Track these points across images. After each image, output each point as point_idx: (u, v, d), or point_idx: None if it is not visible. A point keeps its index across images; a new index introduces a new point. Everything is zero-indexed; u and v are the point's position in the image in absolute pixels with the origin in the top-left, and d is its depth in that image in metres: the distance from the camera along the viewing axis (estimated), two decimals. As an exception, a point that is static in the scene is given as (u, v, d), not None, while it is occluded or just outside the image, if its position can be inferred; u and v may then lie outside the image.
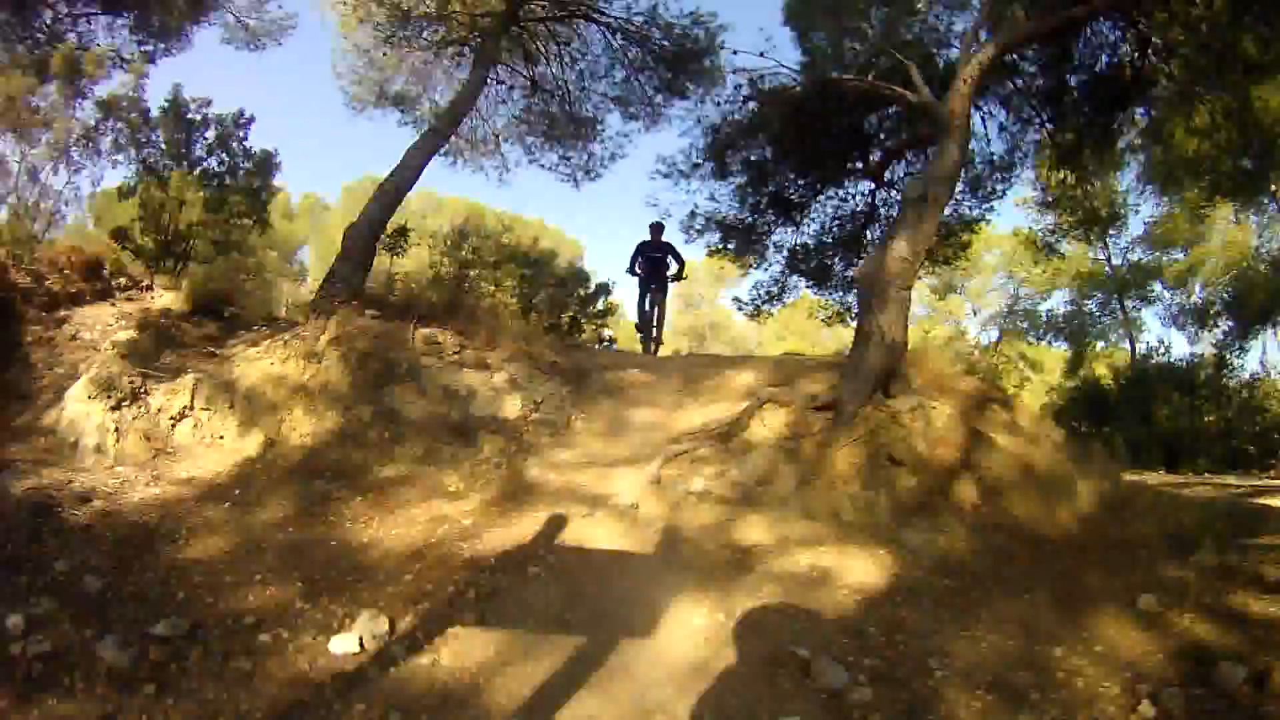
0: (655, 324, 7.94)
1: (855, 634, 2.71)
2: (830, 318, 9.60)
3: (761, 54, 8.00)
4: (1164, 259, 17.78)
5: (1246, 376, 11.80)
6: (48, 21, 6.83)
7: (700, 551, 3.20)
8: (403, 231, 6.94)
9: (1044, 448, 4.65)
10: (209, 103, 8.17)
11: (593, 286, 9.92)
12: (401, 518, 3.31)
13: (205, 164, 7.01)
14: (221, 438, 3.86)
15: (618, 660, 2.31)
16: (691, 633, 2.53)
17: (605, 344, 9.91)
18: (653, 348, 7.96)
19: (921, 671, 2.55)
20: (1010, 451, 4.36)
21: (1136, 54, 6.81)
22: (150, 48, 7.26)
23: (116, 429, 3.72)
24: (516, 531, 3.23)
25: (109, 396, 3.80)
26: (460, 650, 2.31)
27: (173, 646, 2.32)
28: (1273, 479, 7.88)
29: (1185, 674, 2.66)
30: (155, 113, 7.49)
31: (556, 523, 3.30)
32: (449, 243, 8.58)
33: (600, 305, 9.64)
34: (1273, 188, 12.65)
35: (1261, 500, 5.57)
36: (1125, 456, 9.11)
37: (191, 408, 3.90)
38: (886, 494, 3.89)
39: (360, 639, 2.29)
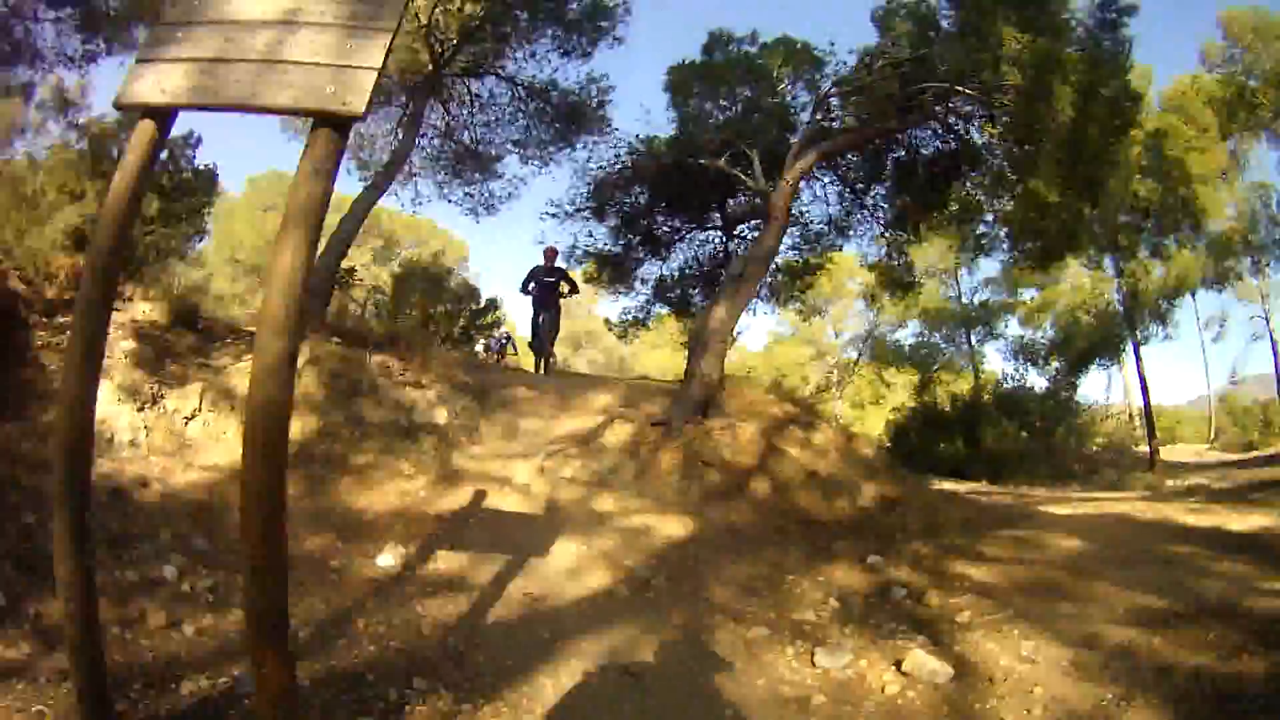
0: (549, 343, 9.25)
1: (661, 558, 4.39)
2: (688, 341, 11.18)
3: (637, 135, 9.90)
4: (1016, 298, 19.90)
5: (1074, 406, 13.26)
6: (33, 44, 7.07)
7: (571, 515, 4.76)
8: (351, 271, 8.16)
9: (830, 458, 5.98)
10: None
11: (483, 302, 11.46)
12: (378, 491, 4.81)
13: (159, 180, 7.66)
14: (225, 434, 5.09)
15: (530, 566, 4.05)
16: (569, 555, 4.27)
17: (504, 341, 11.45)
18: (547, 364, 9.27)
19: (698, 576, 4.14)
20: (799, 461, 5.70)
21: (953, 147, 8.15)
22: (93, 47, 7.66)
23: (145, 427, 4.92)
24: (456, 500, 4.79)
25: (135, 400, 4.97)
26: (448, 561, 3.98)
27: (285, 573, 3.69)
28: (1074, 492, 8.94)
29: (869, 592, 3.97)
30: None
31: (480, 495, 4.89)
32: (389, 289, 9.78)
33: (490, 318, 11.20)
34: (1118, 239, 14.72)
35: (1041, 507, 6.54)
36: (946, 470, 10.71)
37: (200, 410, 5.15)
38: (698, 485, 5.33)
39: (393, 558, 3.90)
